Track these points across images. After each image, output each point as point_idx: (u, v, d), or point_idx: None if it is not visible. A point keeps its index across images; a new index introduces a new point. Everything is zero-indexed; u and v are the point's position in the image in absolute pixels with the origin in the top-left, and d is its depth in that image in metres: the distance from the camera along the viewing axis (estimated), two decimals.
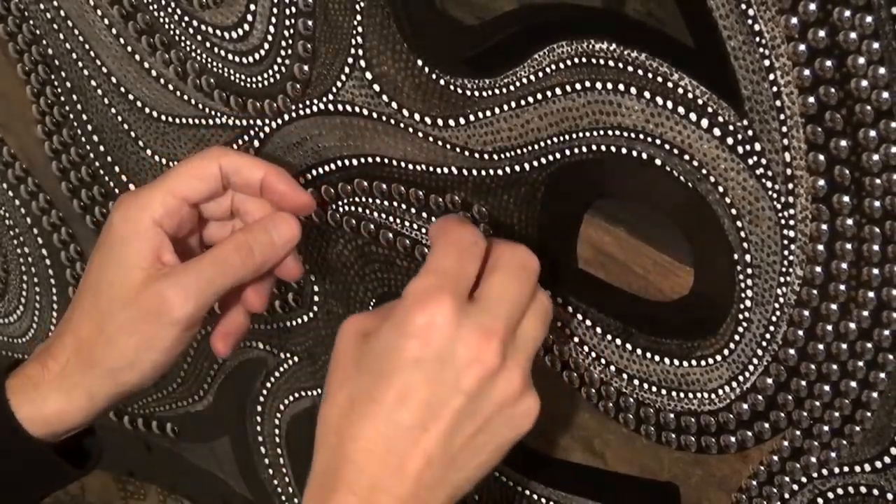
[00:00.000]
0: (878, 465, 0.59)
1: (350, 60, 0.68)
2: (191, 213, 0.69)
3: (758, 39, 0.52)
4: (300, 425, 0.90)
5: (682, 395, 0.65)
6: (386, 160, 0.70)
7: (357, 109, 0.69)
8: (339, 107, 0.70)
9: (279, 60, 0.71)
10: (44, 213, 0.96)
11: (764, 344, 0.60)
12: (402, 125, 0.68)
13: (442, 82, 0.65)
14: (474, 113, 0.64)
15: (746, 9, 0.52)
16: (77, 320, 0.68)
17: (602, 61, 0.58)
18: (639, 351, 0.65)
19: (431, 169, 0.68)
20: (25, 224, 0.98)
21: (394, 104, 0.67)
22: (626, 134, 0.59)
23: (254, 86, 0.74)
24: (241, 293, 0.71)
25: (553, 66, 0.60)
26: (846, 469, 0.60)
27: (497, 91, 0.63)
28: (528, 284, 0.61)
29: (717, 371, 0.63)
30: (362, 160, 0.71)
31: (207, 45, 0.75)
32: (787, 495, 0.63)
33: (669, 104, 0.57)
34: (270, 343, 0.88)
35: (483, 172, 0.66)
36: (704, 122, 0.56)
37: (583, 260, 0.66)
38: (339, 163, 0.73)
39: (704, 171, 0.58)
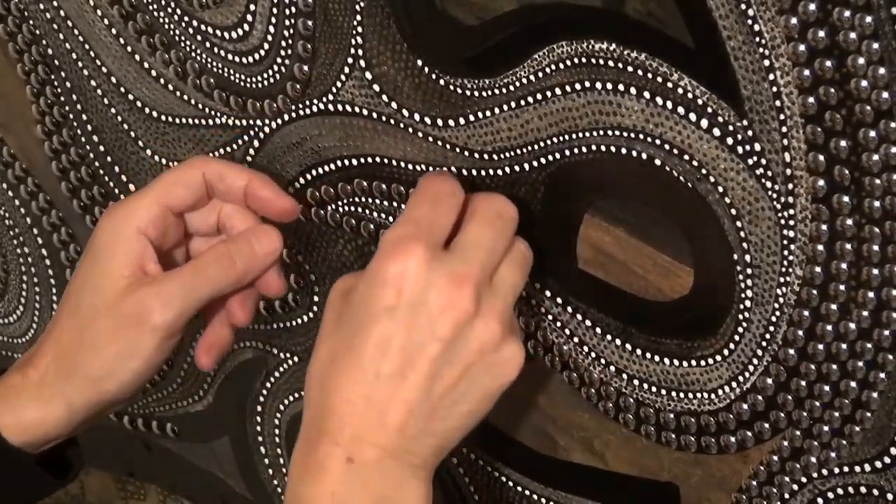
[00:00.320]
0: (878, 465, 0.59)
1: (350, 60, 0.68)
2: (176, 223, 0.69)
3: (758, 39, 0.52)
4: (300, 425, 0.90)
5: (681, 395, 0.64)
6: (386, 160, 0.70)
7: (357, 109, 0.69)
8: (339, 107, 0.70)
9: (279, 60, 0.71)
10: (44, 213, 0.96)
11: (764, 344, 0.60)
12: (401, 125, 0.68)
13: (442, 82, 0.65)
14: (474, 113, 0.64)
15: (746, 9, 0.52)
16: (59, 328, 0.68)
17: (602, 61, 0.58)
18: (639, 351, 0.65)
19: (431, 169, 0.68)
20: (25, 224, 0.98)
21: (394, 104, 0.67)
22: (625, 134, 0.59)
23: (254, 86, 0.74)
24: (226, 306, 0.71)
25: (553, 67, 0.60)
26: (846, 469, 0.60)
27: (497, 91, 0.63)
28: (503, 232, 0.61)
29: (716, 371, 0.63)
30: (362, 160, 0.71)
31: (207, 45, 0.75)
32: (787, 495, 0.63)
33: (669, 104, 0.57)
34: (270, 343, 0.88)
35: (483, 172, 0.66)
36: (704, 123, 0.56)
37: (583, 260, 0.66)
38: (339, 163, 0.73)
39: (704, 172, 0.57)
